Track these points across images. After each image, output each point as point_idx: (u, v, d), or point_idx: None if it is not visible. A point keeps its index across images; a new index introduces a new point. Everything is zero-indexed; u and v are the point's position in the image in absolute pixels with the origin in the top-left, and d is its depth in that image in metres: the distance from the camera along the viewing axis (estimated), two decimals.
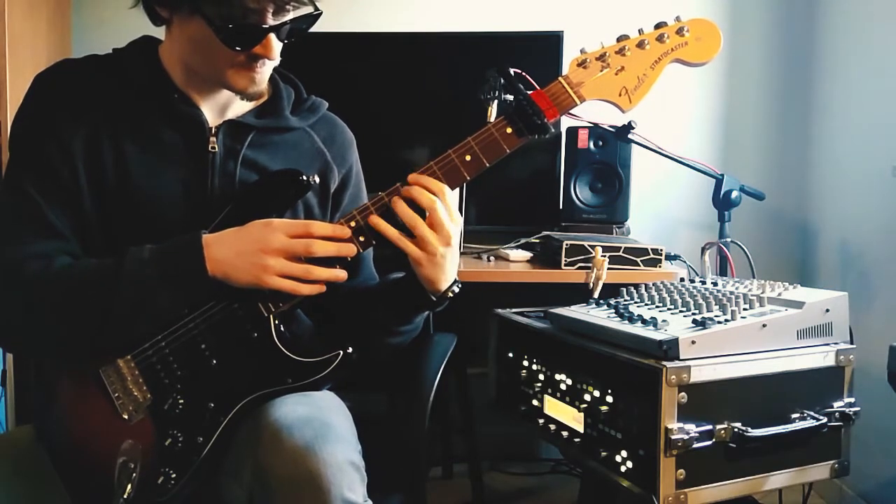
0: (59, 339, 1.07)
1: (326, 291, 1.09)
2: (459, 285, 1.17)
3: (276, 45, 1.08)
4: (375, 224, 1.09)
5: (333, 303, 1.24)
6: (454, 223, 1.11)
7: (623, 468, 1.18)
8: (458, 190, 1.14)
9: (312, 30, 1.11)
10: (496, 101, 1.66)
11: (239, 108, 1.20)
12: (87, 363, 1.10)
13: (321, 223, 1.09)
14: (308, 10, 1.08)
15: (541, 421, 1.38)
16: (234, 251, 1.04)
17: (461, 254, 1.95)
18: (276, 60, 1.11)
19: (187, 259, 1.04)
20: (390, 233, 1.09)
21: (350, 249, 1.09)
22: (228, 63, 1.08)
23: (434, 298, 1.16)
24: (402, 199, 1.09)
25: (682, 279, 1.82)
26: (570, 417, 1.30)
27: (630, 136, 1.98)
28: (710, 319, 1.17)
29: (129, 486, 0.98)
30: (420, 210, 1.09)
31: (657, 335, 1.15)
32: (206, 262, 1.04)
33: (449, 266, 1.13)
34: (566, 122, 2.19)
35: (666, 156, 1.99)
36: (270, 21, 1.05)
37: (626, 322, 1.24)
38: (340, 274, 1.09)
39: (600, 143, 2.17)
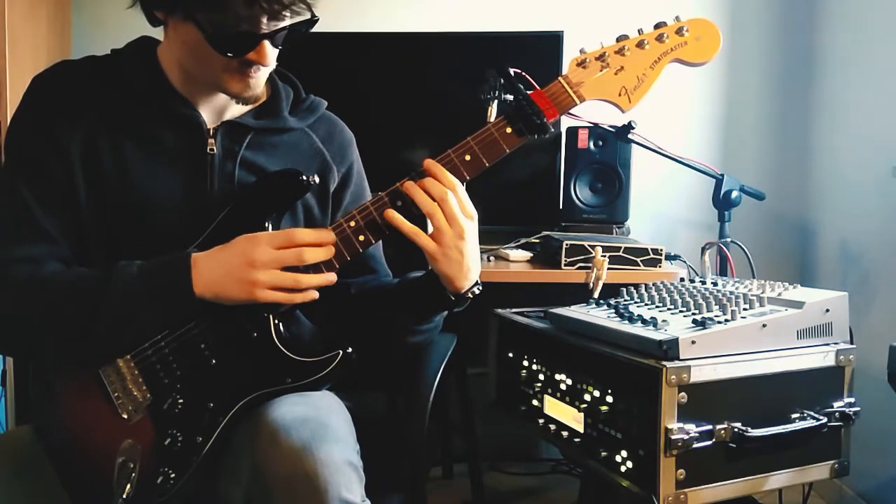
0: (42, 345, 1.07)
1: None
2: (480, 287, 1.16)
3: (271, 52, 1.07)
4: (391, 218, 1.08)
5: (343, 302, 1.24)
6: (468, 217, 1.10)
7: (623, 468, 1.18)
8: None
9: (312, 29, 1.11)
10: (496, 101, 1.66)
11: (237, 109, 1.20)
12: (87, 363, 1.10)
13: (304, 230, 1.08)
14: (304, 16, 1.07)
15: (541, 421, 1.38)
16: (222, 270, 1.04)
17: None
18: (272, 66, 1.11)
19: (174, 279, 1.04)
20: (405, 227, 1.09)
21: (354, 251, 1.09)
22: (222, 68, 1.08)
23: (453, 298, 1.15)
24: (416, 186, 1.08)
25: (682, 279, 1.82)
26: (570, 417, 1.30)
27: (630, 136, 1.98)
28: (710, 319, 1.17)
29: (129, 486, 0.98)
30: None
31: (657, 335, 1.15)
32: (192, 283, 1.03)
33: (467, 263, 1.11)
34: (566, 122, 2.19)
35: (666, 156, 1.99)
36: (264, 28, 1.04)
37: (626, 322, 1.24)
38: (330, 277, 1.08)
39: (600, 143, 2.17)
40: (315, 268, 1.07)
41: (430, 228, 1.10)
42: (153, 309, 1.04)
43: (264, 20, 1.03)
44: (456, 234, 1.09)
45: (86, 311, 1.03)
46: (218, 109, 1.19)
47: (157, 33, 1.17)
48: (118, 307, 1.03)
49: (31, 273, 1.06)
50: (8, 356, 1.36)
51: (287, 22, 1.05)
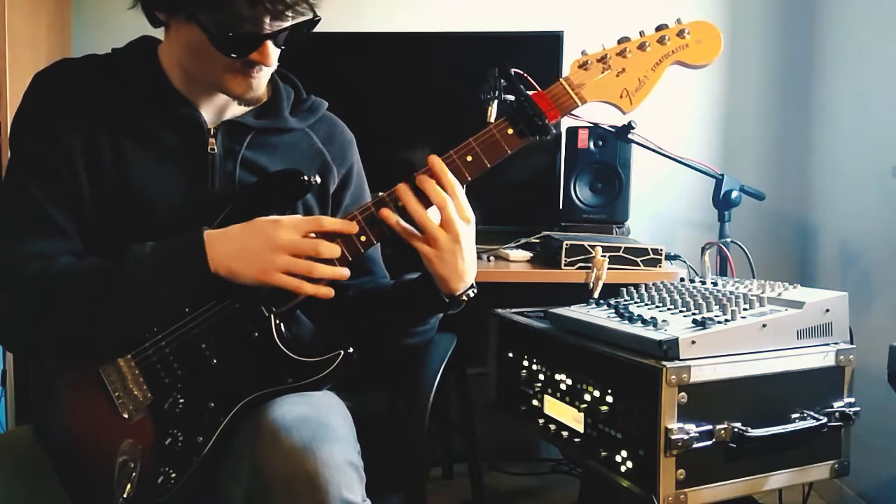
0: (62, 337, 1.07)
1: (332, 290, 1.09)
2: (475, 290, 1.16)
3: (274, 52, 1.07)
4: (386, 217, 1.09)
5: (341, 303, 1.24)
6: (464, 220, 1.10)
7: (623, 468, 1.18)
8: None
9: (313, 30, 1.11)
10: (496, 102, 1.66)
11: (238, 108, 1.20)
12: (88, 362, 1.10)
13: (330, 218, 1.09)
14: (306, 17, 1.07)
15: (541, 421, 1.38)
16: (239, 246, 1.04)
17: None
18: (274, 66, 1.11)
19: (189, 255, 1.04)
20: (399, 227, 1.09)
21: (355, 250, 1.09)
22: (225, 69, 1.08)
23: (447, 300, 1.15)
24: (410, 191, 1.09)
25: (682, 279, 1.82)
26: (570, 417, 1.30)
27: (630, 136, 1.98)
28: (710, 319, 1.17)
29: (129, 486, 0.98)
30: (427, 203, 1.08)
31: (657, 335, 1.15)
32: (207, 259, 1.04)
33: (462, 265, 1.11)
34: (566, 122, 2.19)
35: (666, 156, 1.99)
36: (267, 28, 1.04)
37: (626, 322, 1.24)
38: (343, 271, 1.08)
39: (600, 143, 2.17)
40: (329, 262, 1.07)
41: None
42: (169, 287, 1.04)
43: (267, 20, 1.03)
44: (452, 237, 1.09)
45: (102, 296, 1.03)
46: (219, 109, 1.19)
47: (158, 33, 1.17)
48: (134, 288, 1.03)
49: (46, 267, 1.06)
50: (26, 354, 1.35)
51: (290, 22, 1.05)
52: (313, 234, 1.07)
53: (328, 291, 1.08)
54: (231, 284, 1.05)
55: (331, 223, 1.07)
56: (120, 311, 1.04)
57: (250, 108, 1.21)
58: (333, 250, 1.06)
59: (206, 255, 1.04)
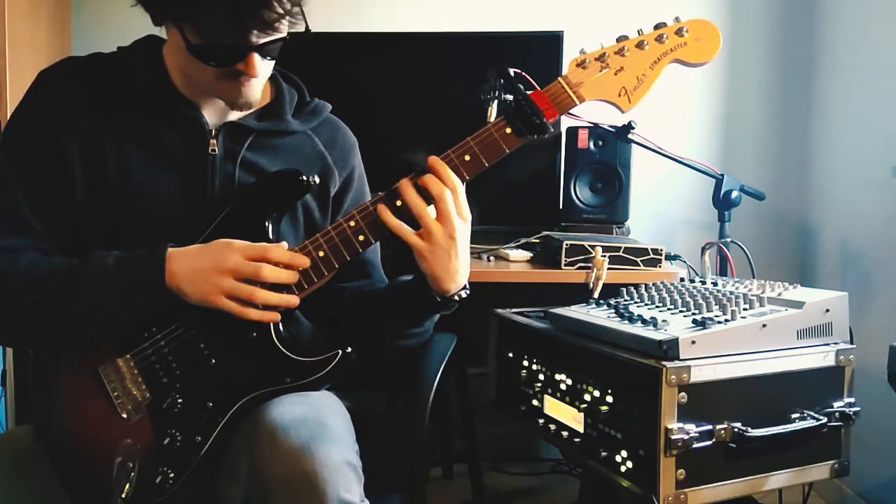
0: (21, 331, 1.09)
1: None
2: (468, 291, 1.16)
3: (260, 63, 1.05)
4: (380, 213, 1.09)
5: (338, 305, 1.24)
6: (462, 218, 1.10)
7: (623, 468, 1.18)
8: None
9: (312, 30, 1.10)
10: (496, 101, 1.66)
11: None
12: (88, 362, 1.10)
13: (280, 249, 1.07)
14: (296, 29, 1.05)
15: (541, 421, 1.38)
16: (191, 267, 1.04)
17: None
18: (263, 76, 1.10)
19: (147, 269, 1.04)
20: (392, 222, 1.09)
21: (354, 251, 1.09)
22: (215, 74, 1.07)
23: (439, 300, 1.15)
24: (411, 185, 1.08)
25: (682, 279, 1.82)
26: (570, 417, 1.30)
27: (630, 136, 1.98)
28: (710, 319, 1.17)
29: (128, 486, 0.98)
30: (427, 200, 1.08)
31: (657, 335, 1.15)
32: (164, 275, 1.03)
33: (455, 264, 1.11)
34: (566, 122, 2.19)
35: (666, 156, 1.99)
36: (253, 40, 1.02)
37: (626, 322, 1.24)
38: (291, 300, 1.07)
39: (600, 143, 2.17)
40: (281, 288, 1.07)
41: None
42: (124, 297, 1.04)
43: (253, 33, 1.01)
44: (447, 233, 1.08)
45: (59, 297, 1.04)
46: (220, 111, 1.18)
47: (162, 32, 1.16)
48: (90, 295, 1.04)
49: (9, 263, 1.07)
50: None
51: (276, 35, 1.03)
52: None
53: (273, 317, 1.07)
54: (184, 302, 1.04)
55: (278, 255, 1.06)
56: (75, 316, 1.04)
57: (253, 109, 1.21)
58: (278, 276, 1.05)
59: (163, 272, 1.03)
